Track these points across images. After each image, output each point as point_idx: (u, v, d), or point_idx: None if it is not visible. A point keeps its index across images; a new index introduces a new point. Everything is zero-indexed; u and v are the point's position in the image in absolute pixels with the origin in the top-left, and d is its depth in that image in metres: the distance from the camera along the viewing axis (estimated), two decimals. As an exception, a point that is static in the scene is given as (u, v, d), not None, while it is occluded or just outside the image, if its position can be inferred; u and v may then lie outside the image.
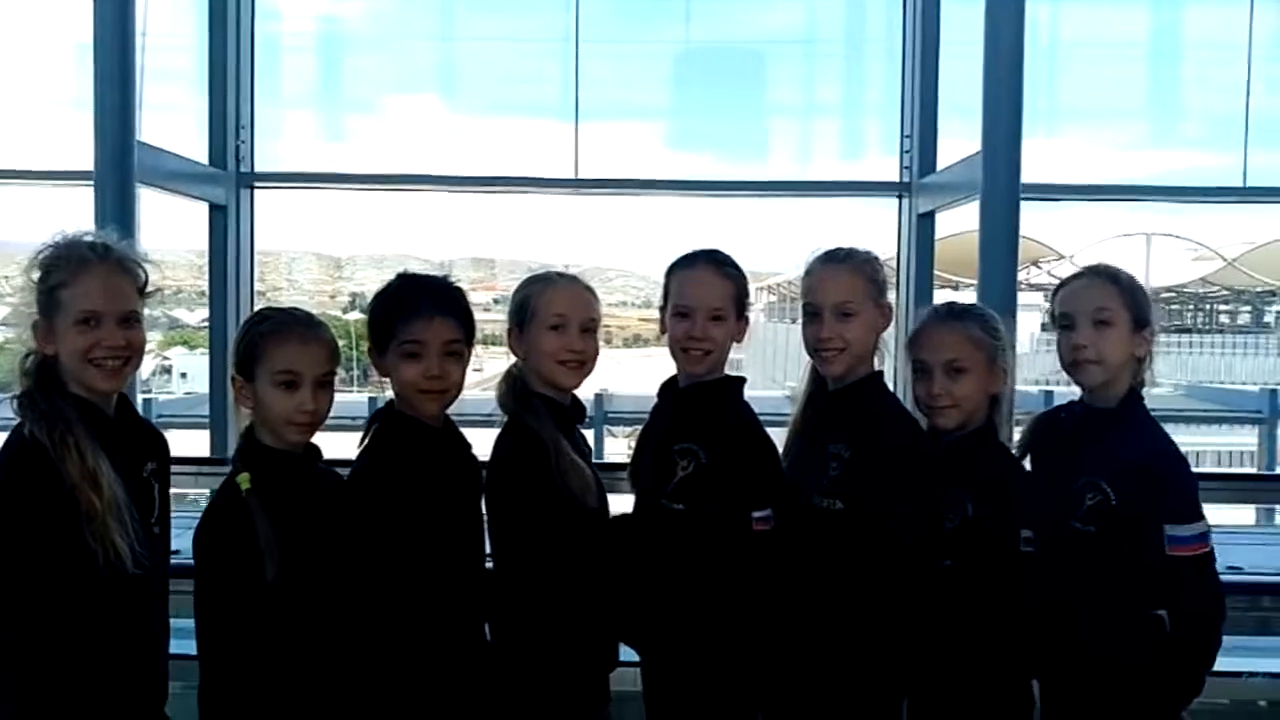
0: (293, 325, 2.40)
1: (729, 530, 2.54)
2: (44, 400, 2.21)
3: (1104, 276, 2.63)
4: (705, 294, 2.63)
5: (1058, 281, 2.75)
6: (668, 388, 2.77)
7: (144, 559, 2.21)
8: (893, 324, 2.75)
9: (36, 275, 2.28)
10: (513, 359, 2.69)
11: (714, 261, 2.67)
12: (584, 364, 2.62)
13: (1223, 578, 2.59)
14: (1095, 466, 2.53)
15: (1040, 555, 2.59)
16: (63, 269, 2.26)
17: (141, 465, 2.35)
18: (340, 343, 2.44)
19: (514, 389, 2.61)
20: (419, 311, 2.44)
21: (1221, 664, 2.55)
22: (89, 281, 2.25)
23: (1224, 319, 35.28)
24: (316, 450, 2.48)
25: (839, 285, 2.65)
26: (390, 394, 2.54)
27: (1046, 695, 2.68)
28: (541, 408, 2.55)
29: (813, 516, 2.59)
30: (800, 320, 2.76)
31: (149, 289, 2.37)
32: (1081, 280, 2.66)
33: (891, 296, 2.77)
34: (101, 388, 2.27)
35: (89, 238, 2.32)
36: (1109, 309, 2.57)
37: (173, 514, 2.46)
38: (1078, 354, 2.58)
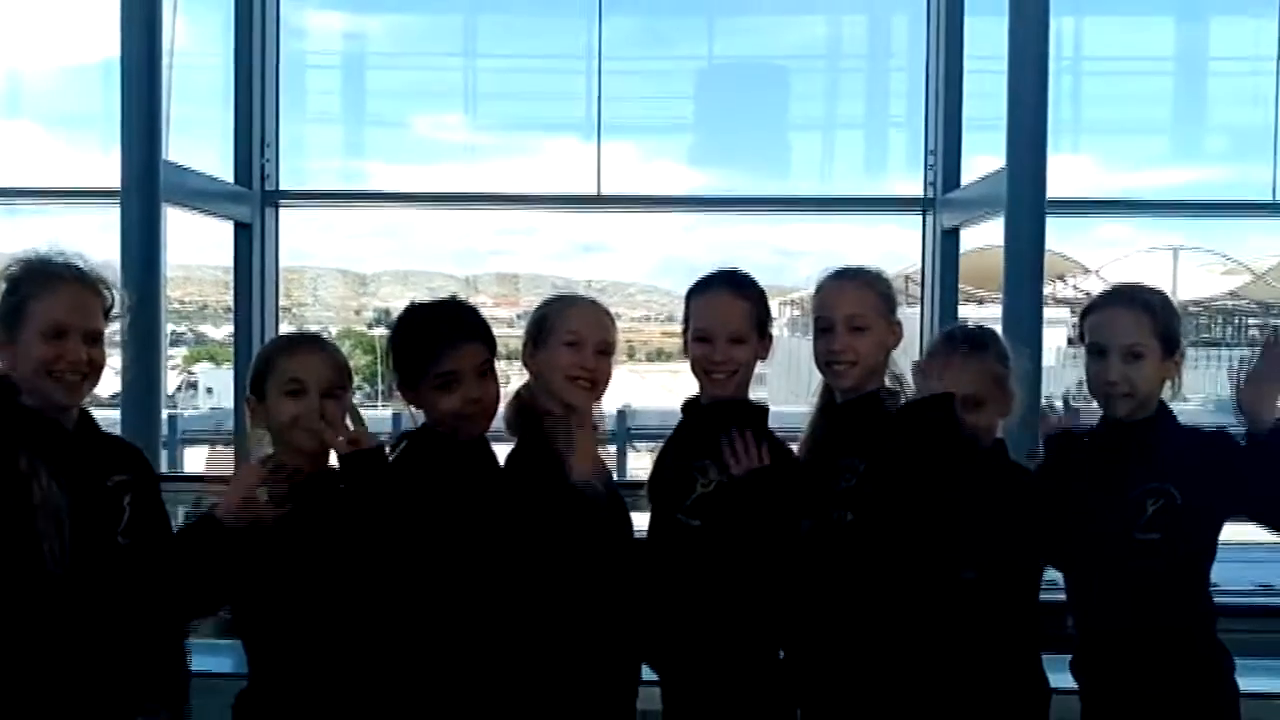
0: (300, 340, 2.50)
1: (748, 548, 2.52)
2: None
3: (1137, 306, 2.57)
4: (724, 318, 2.62)
5: (1084, 297, 2.72)
6: (690, 405, 2.76)
7: (74, 563, 2.17)
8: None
9: (3, 288, 2.29)
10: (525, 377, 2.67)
11: (731, 284, 2.66)
12: (595, 385, 2.59)
13: (1255, 598, 2.55)
14: (1153, 472, 2.49)
15: (1097, 575, 2.56)
16: (33, 282, 2.28)
17: (105, 477, 2.33)
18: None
19: (521, 411, 2.61)
20: (446, 342, 2.43)
21: (1258, 685, 2.51)
22: (58, 296, 2.28)
23: (1254, 333, 34.91)
24: (338, 471, 2.48)
25: (850, 299, 2.64)
26: (411, 412, 2.54)
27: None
28: (551, 426, 2.54)
29: (824, 528, 2.58)
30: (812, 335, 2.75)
31: (114, 313, 2.38)
32: (1113, 310, 2.60)
33: (906, 312, 2.74)
34: (60, 401, 2.28)
35: (60, 257, 2.34)
36: (1142, 343, 2.53)
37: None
38: (1111, 389, 2.55)
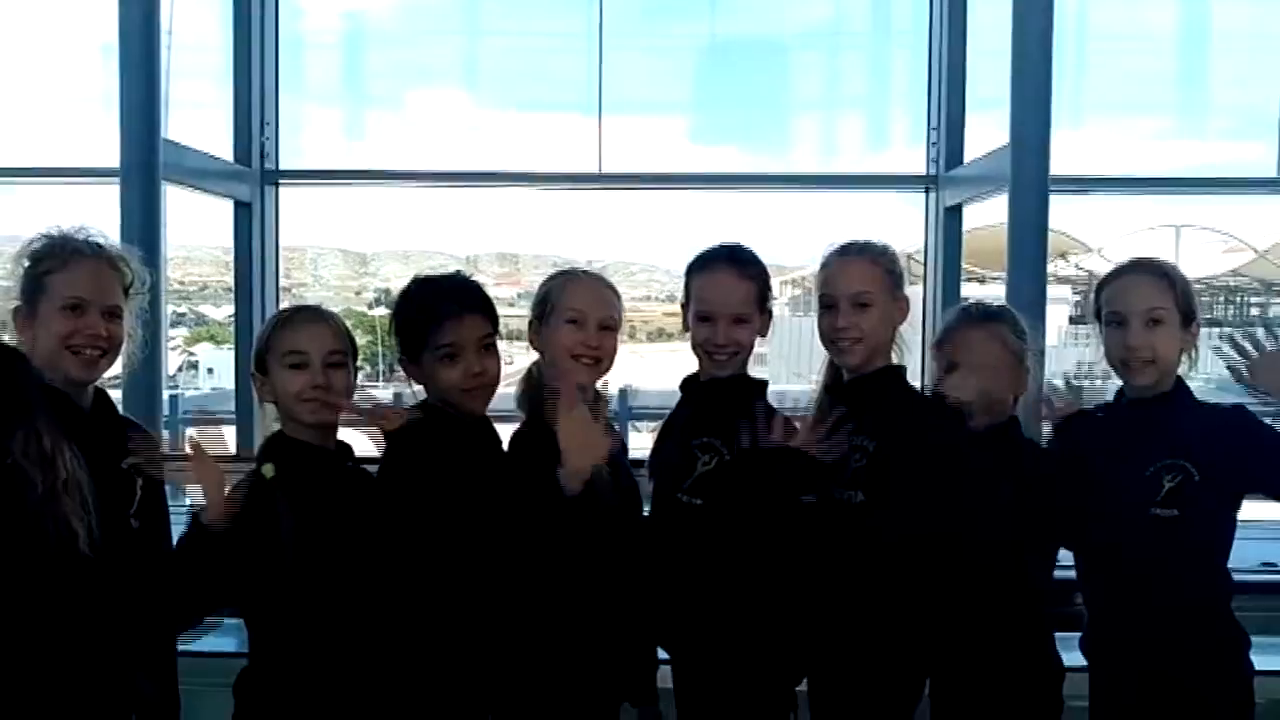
0: (299, 312, 2.51)
1: (748, 526, 2.51)
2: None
3: (1155, 273, 2.58)
4: (727, 299, 2.60)
5: (1092, 274, 2.73)
6: (689, 383, 2.75)
7: (100, 544, 2.17)
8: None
9: (26, 264, 2.33)
10: (534, 355, 2.67)
11: (734, 262, 2.63)
12: (599, 361, 2.58)
13: (1260, 575, 2.56)
14: (1170, 449, 2.50)
15: (1112, 553, 2.56)
16: (55, 257, 2.31)
17: (119, 458, 2.34)
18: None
19: (531, 389, 2.60)
20: (448, 313, 2.43)
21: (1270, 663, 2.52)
22: (78, 270, 2.31)
23: (1255, 311, 34.84)
24: (347, 448, 2.48)
25: (855, 276, 2.62)
26: (413, 389, 2.53)
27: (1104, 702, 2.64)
28: (552, 408, 2.53)
29: (832, 508, 2.57)
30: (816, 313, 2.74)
31: (133, 291, 2.41)
32: (1132, 277, 2.61)
33: (909, 290, 2.74)
34: (77, 376, 2.29)
35: (81, 235, 2.37)
36: (1163, 308, 2.54)
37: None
38: (1133, 355, 2.54)
